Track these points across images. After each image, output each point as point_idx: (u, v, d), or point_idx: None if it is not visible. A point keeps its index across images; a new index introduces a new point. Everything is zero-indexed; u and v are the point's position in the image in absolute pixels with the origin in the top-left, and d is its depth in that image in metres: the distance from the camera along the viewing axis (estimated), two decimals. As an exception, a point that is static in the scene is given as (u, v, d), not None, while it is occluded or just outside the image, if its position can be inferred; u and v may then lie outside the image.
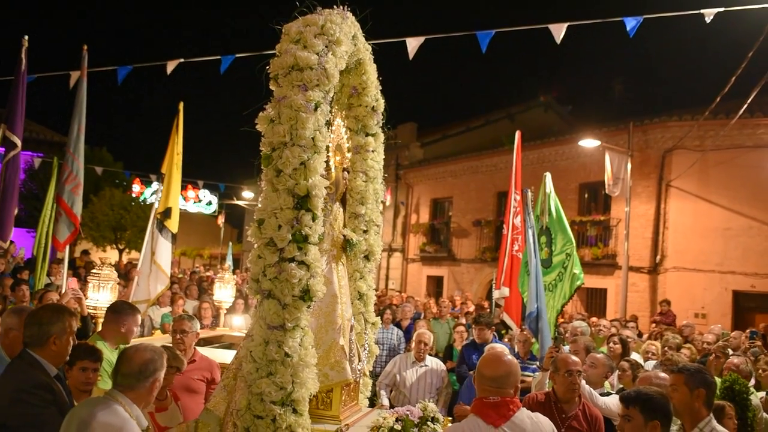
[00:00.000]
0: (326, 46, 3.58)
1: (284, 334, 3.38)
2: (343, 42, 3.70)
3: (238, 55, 8.86)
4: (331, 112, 3.82)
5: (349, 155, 4.64)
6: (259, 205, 3.50)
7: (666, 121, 17.23)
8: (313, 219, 3.44)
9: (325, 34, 3.61)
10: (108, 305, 6.82)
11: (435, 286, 24.71)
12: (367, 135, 4.75)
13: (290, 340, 3.39)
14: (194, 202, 36.36)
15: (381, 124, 4.81)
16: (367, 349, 4.72)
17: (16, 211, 8.19)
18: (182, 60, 8.91)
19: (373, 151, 4.76)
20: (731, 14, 6.90)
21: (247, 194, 34.26)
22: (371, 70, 4.55)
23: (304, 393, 3.43)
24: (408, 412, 3.91)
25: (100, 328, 6.71)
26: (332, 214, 4.25)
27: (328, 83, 3.53)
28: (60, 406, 3.28)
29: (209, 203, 37.39)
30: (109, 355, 4.97)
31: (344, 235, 4.38)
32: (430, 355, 7.85)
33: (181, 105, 8.28)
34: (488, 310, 13.13)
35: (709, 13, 6.97)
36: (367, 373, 4.75)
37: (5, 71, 9.17)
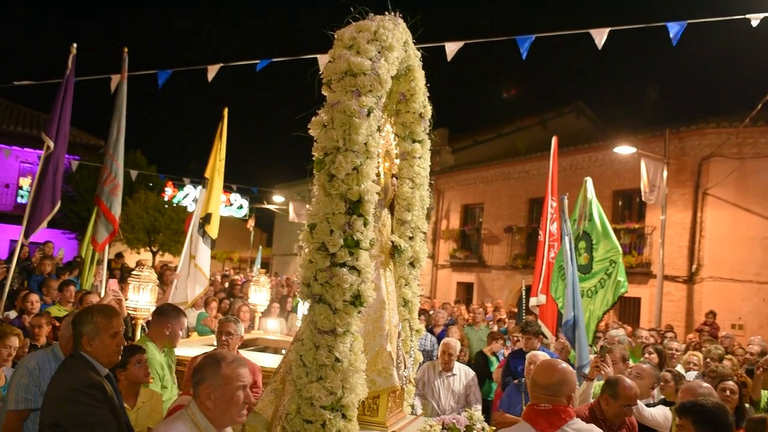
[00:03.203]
0: (379, 52, 3.58)
1: (335, 339, 3.38)
2: (395, 48, 3.70)
3: (274, 60, 8.93)
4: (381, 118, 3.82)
5: (397, 161, 4.62)
6: (311, 210, 3.50)
7: (703, 128, 16.97)
8: (365, 224, 3.44)
9: (377, 39, 3.61)
10: (148, 306, 6.96)
11: (465, 292, 24.58)
12: (414, 141, 4.72)
13: (341, 345, 3.38)
14: (225, 206, 36.69)
15: (428, 131, 4.79)
16: (412, 355, 4.70)
17: (54, 210, 8.20)
18: (222, 65, 8.99)
19: (419, 157, 4.74)
20: (778, 19, 6.76)
21: (278, 198, 34.45)
22: (420, 77, 4.53)
23: (353, 398, 3.42)
24: (454, 420, 3.88)
25: (139, 329, 6.82)
26: (381, 220, 4.24)
27: (380, 89, 3.52)
28: (111, 406, 3.31)
29: (240, 207, 37.71)
30: (158, 356, 5.01)
31: (392, 242, 4.36)
32: (462, 362, 7.79)
33: (225, 111, 8.35)
34: (516, 317, 13.04)
35: (755, 18, 6.83)
36: (412, 381, 4.73)
37: (50, 75, 9.32)
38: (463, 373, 7.48)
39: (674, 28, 7.02)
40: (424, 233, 4.75)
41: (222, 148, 8.32)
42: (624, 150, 16.35)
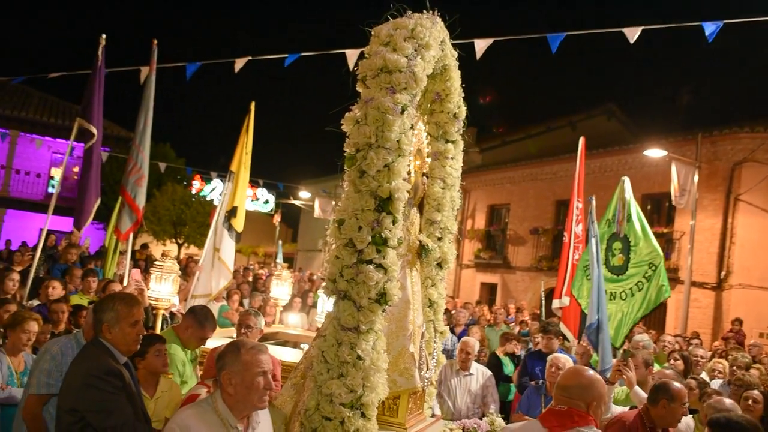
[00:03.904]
0: (415, 50, 3.55)
1: (357, 337, 3.36)
2: (432, 46, 3.67)
3: (303, 54, 8.93)
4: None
5: (428, 161, 4.58)
6: (340, 205, 3.49)
7: (737, 132, 16.66)
8: (394, 222, 3.41)
9: (414, 37, 3.59)
10: (169, 297, 6.99)
11: (488, 293, 24.44)
12: (447, 142, 4.67)
13: (363, 343, 3.36)
14: (252, 201, 36.89)
15: (461, 132, 4.74)
16: (435, 357, 4.64)
17: (98, 202, 8.38)
18: (250, 58, 9.01)
19: (452, 158, 4.69)
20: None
21: (304, 194, 34.55)
22: (456, 77, 4.49)
23: (373, 397, 3.39)
24: (476, 425, 3.83)
25: (160, 319, 6.84)
26: (409, 218, 4.18)
27: (415, 87, 3.50)
28: (129, 394, 3.32)
29: (266, 202, 37.88)
30: (180, 353, 4.99)
31: (420, 241, 4.31)
32: (481, 362, 7.72)
33: (253, 105, 8.35)
34: (538, 319, 12.92)
35: (794, 19, 6.66)
36: (434, 382, 4.68)
37: (80, 66, 9.44)
38: (480, 373, 7.40)
39: (710, 28, 6.87)
40: (453, 234, 4.69)
41: (249, 142, 8.32)
42: (654, 153, 16.10)
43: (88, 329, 4.05)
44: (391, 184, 3.37)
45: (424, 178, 4.50)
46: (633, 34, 7.25)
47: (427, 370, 4.41)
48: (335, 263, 3.42)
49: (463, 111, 4.67)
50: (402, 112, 3.41)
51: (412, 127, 3.56)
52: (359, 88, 3.54)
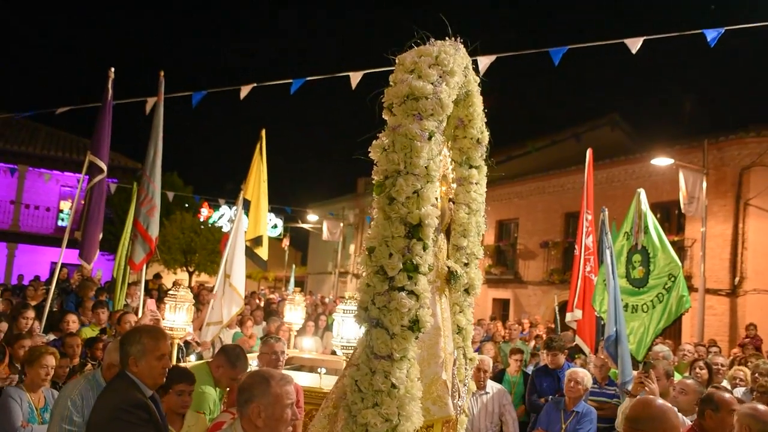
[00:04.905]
0: (440, 76, 3.57)
1: (391, 365, 3.32)
2: (457, 73, 3.68)
3: (308, 78, 9.00)
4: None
5: (453, 186, 4.58)
6: (370, 233, 3.48)
7: (743, 137, 16.63)
8: (424, 248, 3.39)
9: (439, 64, 3.60)
10: (184, 326, 6.99)
11: (501, 309, 24.33)
12: (470, 167, 4.66)
13: (397, 371, 3.32)
14: (260, 225, 36.95)
15: (485, 157, 4.73)
16: (467, 385, 4.59)
17: (101, 235, 8.50)
18: (255, 84, 9.09)
19: (476, 183, 4.66)
20: (820, 24, 6.58)
21: (312, 217, 34.61)
22: (478, 102, 4.48)
23: (409, 427, 3.34)
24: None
25: (176, 349, 6.83)
26: (437, 244, 4.17)
27: (442, 113, 3.51)
28: (156, 427, 3.32)
29: (275, 226, 37.93)
30: (213, 392, 4.92)
31: (448, 267, 4.29)
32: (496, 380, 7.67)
33: (263, 132, 8.41)
34: (554, 333, 12.84)
35: (796, 23, 6.68)
36: (466, 410, 4.62)
37: (86, 99, 9.54)
38: (496, 391, 7.37)
39: (711, 34, 6.91)
40: (479, 259, 4.64)
41: (263, 170, 8.38)
42: (661, 162, 16.08)
43: (108, 367, 4.05)
44: (420, 210, 3.37)
45: (451, 203, 4.49)
46: (635, 44, 7.30)
47: (459, 397, 4.34)
48: (367, 291, 3.40)
49: (486, 136, 4.65)
50: (429, 139, 3.42)
51: (438, 153, 3.57)
52: (385, 116, 3.55)
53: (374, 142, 3.49)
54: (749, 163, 16.34)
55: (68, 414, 3.80)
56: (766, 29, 7.06)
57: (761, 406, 4.46)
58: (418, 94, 3.46)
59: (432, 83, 3.51)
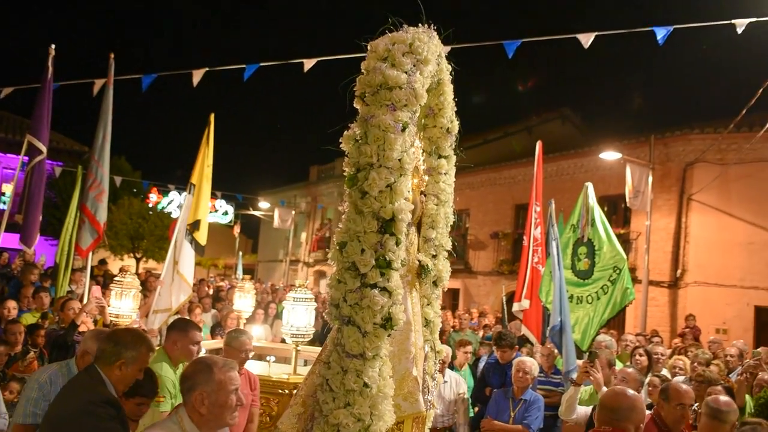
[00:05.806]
0: (414, 65, 3.44)
1: (364, 364, 3.24)
2: (431, 61, 3.56)
3: (262, 64, 8.89)
4: None
5: (425, 178, 4.46)
6: (341, 227, 3.37)
7: (688, 133, 17.10)
8: (397, 244, 3.30)
9: (413, 52, 3.47)
10: (130, 313, 6.86)
11: (451, 298, 24.56)
12: (440, 157, 4.51)
13: (370, 370, 3.25)
14: (211, 212, 36.47)
15: (453, 146, 4.59)
16: (435, 379, 4.55)
17: (41, 219, 8.27)
18: (207, 69, 8.92)
19: (445, 173, 4.52)
20: (763, 25, 6.80)
21: (263, 204, 34.34)
22: (449, 91, 4.33)
23: (381, 426, 3.28)
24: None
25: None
26: (408, 238, 4.08)
27: (416, 103, 3.39)
28: (122, 423, 3.24)
29: (225, 213, 37.49)
30: (171, 374, 4.83)
31: (419, 261, 4.21)
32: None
33: (212, 116, 8.26)
34: (501, 323, 13.03)
35: (740, 24, 6.87)
36: (435, 404, 4.58)
37: (32, 80, 9.23)
38: (454, 381, 7.44)
39: (661, 32, 7.07)
40: (447, 251, 4.51)
41: (209, 154, 8.22)
42: (610, 156, 16.43)
43: (82, 354, 3.95)
44: (393, 204, 3.27)
45: (422, 196, 4.38)
46: (587, 39, 7.42)
47: (429, 392, 4.28)
48: (338, 287, 3.30)
49: (455, 125, 4.51)
50: (403, 130, 3.30)
51: (411, 145, 3.46)
52: (357, 105, 3.41)
53: (345, 133, 3.37)
54: (693, 159, 16.80)
55: (35, 396, 3.77)
56: (713, 29, 7.27)
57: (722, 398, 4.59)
58: (392, 83, 3.33)
59: (406, 72, 3.38)
